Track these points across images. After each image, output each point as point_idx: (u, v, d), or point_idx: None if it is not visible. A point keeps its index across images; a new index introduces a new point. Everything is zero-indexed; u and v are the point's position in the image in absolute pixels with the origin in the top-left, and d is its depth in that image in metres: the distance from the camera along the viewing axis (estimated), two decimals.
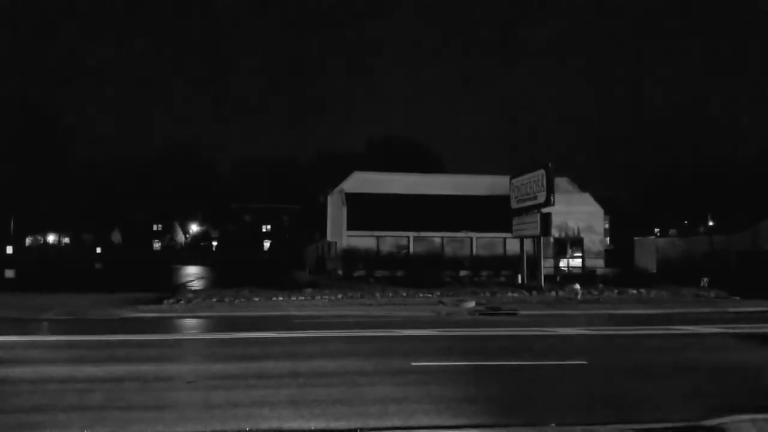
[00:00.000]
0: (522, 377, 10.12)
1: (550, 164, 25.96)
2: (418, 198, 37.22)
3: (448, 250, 36.61)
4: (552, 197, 25.41)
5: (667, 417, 7.59)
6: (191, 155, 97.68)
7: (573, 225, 36.48)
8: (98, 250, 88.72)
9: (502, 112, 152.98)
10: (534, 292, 24.65)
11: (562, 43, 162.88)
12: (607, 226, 50.25)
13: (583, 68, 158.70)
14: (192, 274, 47.48)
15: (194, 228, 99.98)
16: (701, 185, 70.58)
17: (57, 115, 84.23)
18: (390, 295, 23.53)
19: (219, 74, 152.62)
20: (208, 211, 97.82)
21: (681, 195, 72.91)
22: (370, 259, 34.98)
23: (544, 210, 25.95)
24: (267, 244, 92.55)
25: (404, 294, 23.72)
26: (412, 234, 36.32)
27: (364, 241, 35.60)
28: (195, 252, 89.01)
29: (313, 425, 7.27)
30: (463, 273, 34.00)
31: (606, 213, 41.83)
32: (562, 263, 36.39)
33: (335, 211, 36.53)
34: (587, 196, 38.11)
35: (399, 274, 32.75)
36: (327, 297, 22.77)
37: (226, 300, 21.83)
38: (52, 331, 15.83)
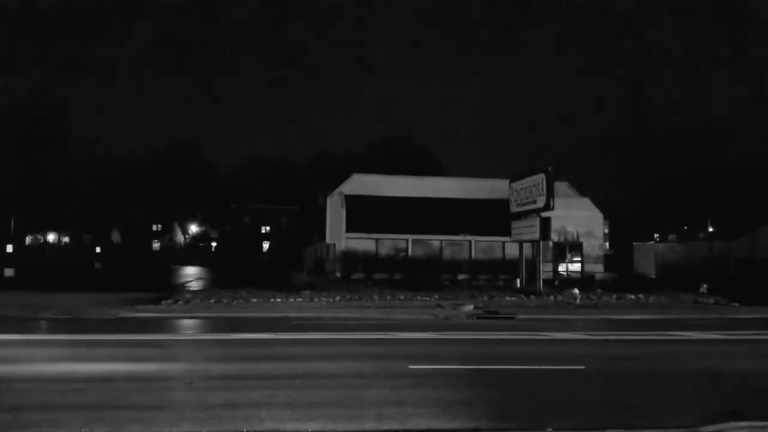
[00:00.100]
0: (519, 381, 10.12)
1: (550, 168, 25.99)
2: (417, 201, 37.22)
3: (447, 253, 36.60)
4: (552, 202, 25.42)
5: (665, 423, 7.59)
6: (191, 155, 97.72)
7: (572, 229, 36.48)
8: (98, 249, 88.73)
9: (503, 113, 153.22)
10: (532, 297, 24.66)
11: (563, 43, 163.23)
12: (606, 230, 50.37)
13: (583, 68, 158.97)
14: (191, 274, 47.47)
15: (193, 228, 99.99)
16: (701, 188, 70.71)
17: (57, 114, 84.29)
18: (388, 297, 23.53)
19: (219, 74, 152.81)
20: (208, 212, 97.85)
21: (680, 198, 73.01)
22: (369, 261, 34.96)
23: (544, 214, 25.97)
24: (266, 245, 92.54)
25: (402, 297, 23.73)
26: (410, 237, 36.31)
27: (362, 243, 35.59)
28: (194, 252, 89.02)
29: (310, 427, 7.27)
30: (461, 276, 33.99)
31: (605, 218, 41.90)
32: (561, 268, 36.38)
33: (334, 213, 36.52)
34: (587, 201, 38.12)
35: (397, 276, 32.73)
36: (325, 299, 22.78)
37: (224, 301, 21.83)
38: (51, 330, 15.83)
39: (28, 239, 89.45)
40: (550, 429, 7.33)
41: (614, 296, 24.82)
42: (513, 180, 29.39)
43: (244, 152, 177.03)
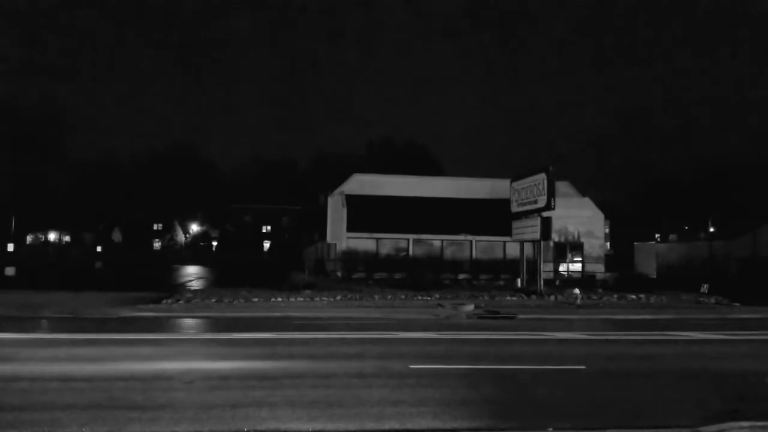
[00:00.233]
0: (520, 381, 10.12)
1: (551, 168, 25.97)
2: (418, 200, 37.22)
3: (448, 253, 36.60)
4: (553, 201, 25.40)
5: (666, 423, 7.58)
6: (192, 155, 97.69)
7: (573, 229, 36.46)
8: (98, 249, 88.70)
9: (503, 113, 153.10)
10: (533, 296, 24.65)
11: (562, 43, 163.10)
12: (607, 230, 50.30)
13: (583, 68, 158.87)
14: (191, 274, 47.48)
15: (194, 228, 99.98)
16: (702, 187, 70.64)
17: (57, 114, 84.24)
18: (389, 297, 23.53)
19: (219, 74, 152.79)
20: (208, 211, 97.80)
21: (681, 198, 72.94)
22: (370, 261, 34.98)
23: (545, 214, 25.94)
24: (267, 244, 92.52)
25: (403, 296, 23.73)
26: (411, 236, 36.32)
27: (363, 243, 35.60)
28: (195, 252, 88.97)
29: (310, 427, 7.27)
30: (462, 276, 34.00)
31: (606, 217, 41.83)
32: (562, 267, 36.36)
33: (335, 212, 36.53)
34: (587, 201, 38.10)
35: (398, 276, 32.75)
36: (326, 298, 22.78)
37: (225, 300, 21.83)
38: (51, 330, 15.84)
39: (29, 238, 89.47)
40: (550, 429, 7.33)
41: (615, 296, 24.80)
42: (514, 180, 29.37)
43: (245, 152, 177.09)
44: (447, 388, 9.26)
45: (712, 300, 24.46)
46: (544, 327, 17.02)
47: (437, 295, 24.04)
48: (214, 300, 21.89)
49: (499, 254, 36.20)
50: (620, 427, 7.33)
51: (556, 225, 28.86)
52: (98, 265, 62.17)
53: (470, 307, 20.93)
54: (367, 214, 35.57)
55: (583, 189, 40.14)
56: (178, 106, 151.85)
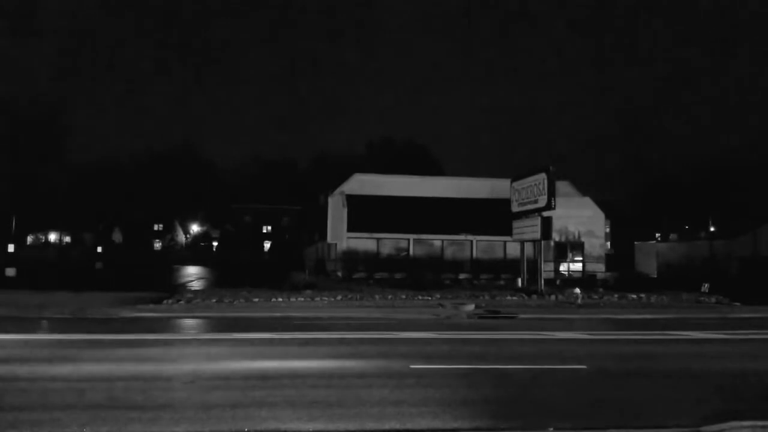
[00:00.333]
0: (520, 381, 10.11)
1: (551, 168, 25.95)
2: (418, 200, 37.23)
3: (448, 252, 36.60)
4: (553, 201, 25.39)
5: (666, 423, 7.57)
6: (192, 155, 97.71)
7: (573, 229, 36.45)
8: (99, 249, 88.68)
9: (503, 113, 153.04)
10: (534, 296, 24.64)
11: (562, 43, 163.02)
12: (607, 230, 50.27)
13: (583, 68, 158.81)
14: (192, 274, 47.48)
15: (195, 228, 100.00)
16: (702, 187, 70.60)
17: (57, 114, 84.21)
18: (389, 297, 23.51)
19: (219, 74, 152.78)
20: (209, 212, 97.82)
21: (682, 197, 72.90)
22: (370, 261, 34.98)
23: (545, 214, 25.92)
24: (267, 245, 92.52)
25: (404, 296, 23.71)
26: (412, 236, 36.32)
27: (364, 243, 35.61)
28: (195, 252, 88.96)
29: (311, 427, 7.26)
30: (462, 276, 33.99)
31: (607, 217, 41.81)
32: (563, 267, 36.36)
33: (335, 212, 36.53)
34: (588, 200, 38.08)
35: (399, 276, 32.74)
36: (326, 298, 22.76)
37: (226, 300, 21.82)
38: (52, 330, 15.84)
39: (29, 239, 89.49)
40: (551, 429, 7.32)
41: (616, 296, 24.77)
42: (514, 179, 29.36)
43: (245, 152, 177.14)
44: (447, 387, 9.25)
45: (713, 299, 24.43)
46: (544, 327, 17.01)
47: (438, 295, 24.02)
48: (214, 300, 21.87)
49: (499, 254, 36.20)
50: (620, 427, 7.32)
51: (556, 225, 28.84)
52: (98, 265, 62.19)
53: (471, 307, 20.92)
54: (367, 214, 35.57)
55: (584, 189, 40.17)
56: (178, 106, 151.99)
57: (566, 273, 35.77)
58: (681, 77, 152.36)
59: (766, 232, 37.65)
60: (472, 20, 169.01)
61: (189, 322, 17.89)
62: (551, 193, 25.43)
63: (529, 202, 27.36)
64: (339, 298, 23.00)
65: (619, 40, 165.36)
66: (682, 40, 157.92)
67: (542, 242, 27.07)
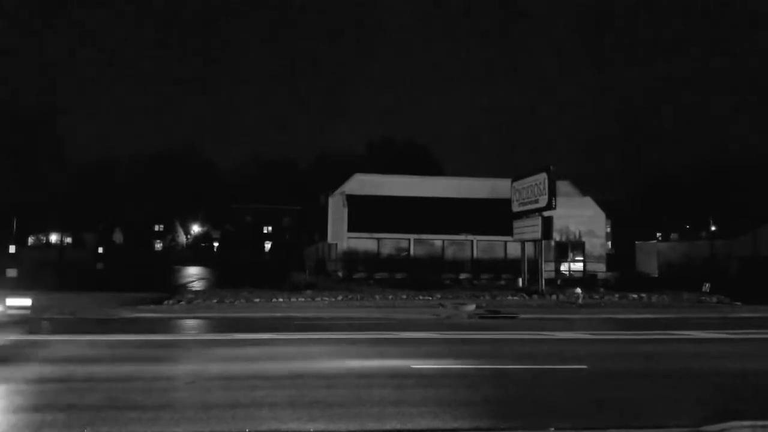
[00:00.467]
0: (521, 381, 10.11)
1: (552, 167, 25.96)
2: (418, 200, 37.22)
3: (449, 252, 36.61)
4: (554, 201, 25.39)
5: (667, 422, 7.56)
6: (192, 155, 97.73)
7: (574, 229, 36.45)
8: (100, 250, 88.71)
9: (503, 113, 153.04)
10: (534, 296, 24.63)
11: (562, 43, 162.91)
12: (608, 229, 50.30)
13: (583, 68, 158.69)
14: (193, 274, 47.50)
15: (195, 228, 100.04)
16: (703, 186, 70.55)
17: (57, 114, 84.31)
18: (390, 297, 23.52)
19: (219, 74, 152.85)
20: (209, 212, 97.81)
21: (682, 197, 72.86)
22: (371, 261, 35.00)
23: (546, 213, 25.93)
24: (268, 245, 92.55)
25: (404, 296, 23.71)
26: (412, 236, 36.32)
27: (364, 243, 35.62)
28: (196, 252, 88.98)
29: (311, 427, 7.26)
30: (463, 276, 33.99)
31: (607, 217, 41.82)
32: (563, 267, 36.36)
33: (336, 212, 36.54)
34: (589, 200, 38.08)
35: (399, 276, 32.75)
36: (327, 299, 22.77)
37: (226, 301, 21.83)
38: (52, 331, 15.84)
39: (30, 240, 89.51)
40: (552, 429, 7.31)
41: (616, 295, 24.76)
42: (515, 179, 29.36)
43: (245, 152, 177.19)
44: (448, 387, 9.25)
45: (714, 299, 24.42)
46: (545, 326, 17.00)
47: (438, 295, 24.02)
48: (215, 300, 21.88)
49: (500, 254, 36.21)
50: (621, 427, 7.31)
51: (557, 224, 28.85)
52: (99, 266, 62.13)
53: (471, 307, 20.92)
54: (367, 214, 35.57)
55: (584, 189, 40.16)
56: (178, 106, 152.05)
57: (567, 273, 35.78)
58: (681, 77, 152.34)
59: (766, 232, 37.65)
60: (472, 20, 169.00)
61: (190, 322, 17.89)
62: (552, 193, 25.44)
63: (530, 202, 27.37)
64: (339, 298, 23.00)
65: (619, 40, 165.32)
66: (682, 40, 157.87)
67: (543, 242, 27.07)
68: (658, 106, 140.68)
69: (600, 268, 36.21)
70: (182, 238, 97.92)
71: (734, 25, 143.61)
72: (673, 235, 73.69)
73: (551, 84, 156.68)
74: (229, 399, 8.46)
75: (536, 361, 11.57)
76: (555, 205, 25.51)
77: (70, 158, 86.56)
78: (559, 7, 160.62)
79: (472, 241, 36.59)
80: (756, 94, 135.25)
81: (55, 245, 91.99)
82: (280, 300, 22.28)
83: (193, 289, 29.25)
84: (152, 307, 20.60)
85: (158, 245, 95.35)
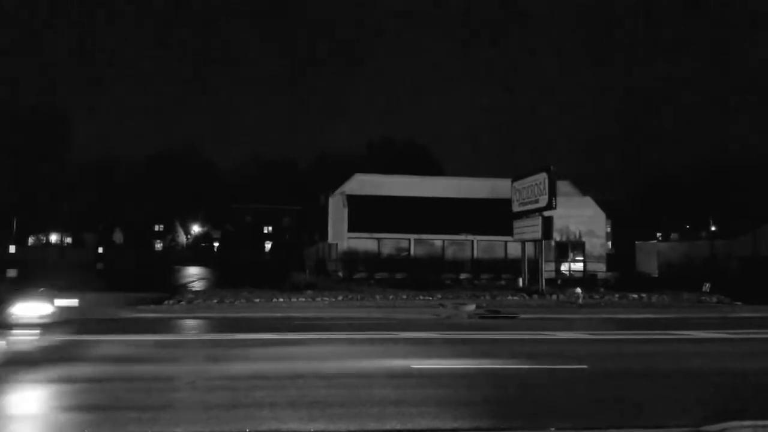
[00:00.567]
0: (522, 381, 10.10)
1: (552, 167, 25.96)
2: (419, 200, 37.22)
3: (449, 252, 36.61)
4: (554, 200, 25.39)
5: (667, 422, 7.56)
6: (191, 155, 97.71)
7: (574, 228, 36.45)
8: (100, 250, 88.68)
9: (503, 113, 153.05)
10: (535, 296, 24.62)
11: (562, 43, 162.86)
12: (608, 229, 50.28)
13: (583, 68, 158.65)
14: (193, 274, 47.49)
15: (196, 229, 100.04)
16: (703, 186, 70.54)
17: (57, 114, 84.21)
18: (390, 297, 23.51)
19: (219, 74, 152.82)
20: (209, 212, 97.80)
21: (682, 197, 72.85)
22: (371, 261, 34.99)
23: (546, 213, 25.93)
24: (268, 245, 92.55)
25: (404, 296, 23.71)
26: (412, 236, 36.32)
27: (364, 243, 35.62)
28: (196, 252, 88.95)
29: (312, 427, 7.26)
30: (463, 276, 33.98)
31: (607, 217, 41.82)
32: (564, 267, 36.36)
33: (336, 212, 36.54)
34: (589, 200, 38.08)
35: (399, 276, 32.73)
36: (327, 299, 22.76)
37: (227, 301, 21.82)
38: (52, 331, 15.80)
39: (30, 240, 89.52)
40: (552, 429, 7.31)
41: (617, 295, 24.76)
42: (515, 179, 29.36)
43: (245, 152, 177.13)
44: (448, 387, 9.25)
45: (714, 299, 24.41)
46: (545, 326, 17.01)
47: (438, 295, 24.01)
48: (215, 301, 21.88)
49: (500, 254, 36.21)
50: (621, 427, 7.31)
51: (557, 224, 28.84)
52: (99, 266, 62.12)
53: (471, 307, 20.92)
54: (368, 214, 35.57)
55: (584, 189, 40.16)
56: (178, 106, 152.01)
57: (567, 273, 35.78)
58: (681, 77, 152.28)
59: (766, 232, 37.65)
60: (472, 20, 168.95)
61: (190, 322, 17.89)
62: (552, 193, 25.44)
63: (530, 202, 27.37)
64: (340, 298, 23.00)
65: (619, 40, 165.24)
66: (682, 40, 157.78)
67: (543, 242, 27.06)
68: (658, 106, 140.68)
69: (600, 268, 36.21)
70: (182, 238, 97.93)
71: (734, 25, 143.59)
72: (673, 235, 73.69)
73: (551, 84, 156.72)
74: (229, 399, 8.46)
75: (536, 361, 11.57)
76: (555, 205, 25.52)
77: (70, 158, 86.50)
78: (559, 7, 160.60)
79: (472, 241, 36.59)
80: (756, 94, 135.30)
81: (55, 245, 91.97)
82: (281, 300, 22.27)
83: (194, 289, 29.24)
84: (152, 307, 20.59)
85: (158, 245, 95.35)
